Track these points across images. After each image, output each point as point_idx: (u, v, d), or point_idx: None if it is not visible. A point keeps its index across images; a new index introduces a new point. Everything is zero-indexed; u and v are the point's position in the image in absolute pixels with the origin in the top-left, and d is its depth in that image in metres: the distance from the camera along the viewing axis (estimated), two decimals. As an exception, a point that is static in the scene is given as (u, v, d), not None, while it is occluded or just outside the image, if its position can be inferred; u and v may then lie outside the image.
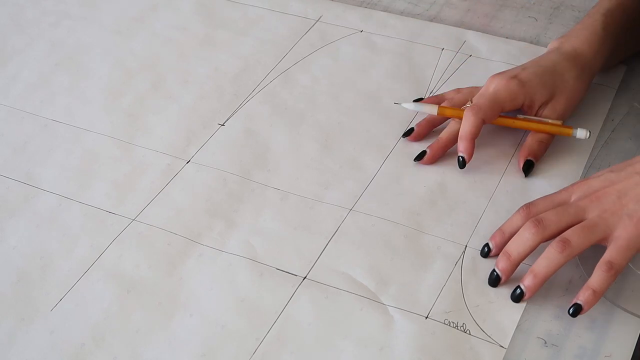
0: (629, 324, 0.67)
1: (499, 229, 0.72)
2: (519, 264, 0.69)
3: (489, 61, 0.93)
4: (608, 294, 0.69)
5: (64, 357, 0.68)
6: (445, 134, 0.81)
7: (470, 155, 0.79)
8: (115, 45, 1.00)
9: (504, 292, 0.70)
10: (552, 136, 0.81)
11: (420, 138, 0.83)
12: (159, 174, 0.82)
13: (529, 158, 0.79)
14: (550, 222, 0.68)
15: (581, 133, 0.80)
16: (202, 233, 0.76)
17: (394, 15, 1.01)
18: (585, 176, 0.78)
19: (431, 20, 1.00)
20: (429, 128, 0.84)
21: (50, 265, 0.74)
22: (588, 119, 0.85)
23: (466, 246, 0.74)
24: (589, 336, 0.66)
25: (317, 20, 1.00)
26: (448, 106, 0.82)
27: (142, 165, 0.84)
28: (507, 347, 0.66)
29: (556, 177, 0.79)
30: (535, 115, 0.81)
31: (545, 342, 0.66)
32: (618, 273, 0.66)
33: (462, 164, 0.79)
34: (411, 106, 0.84)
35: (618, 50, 0.86)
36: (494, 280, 0.70)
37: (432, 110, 0.82)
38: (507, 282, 0.70)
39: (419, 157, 0.81)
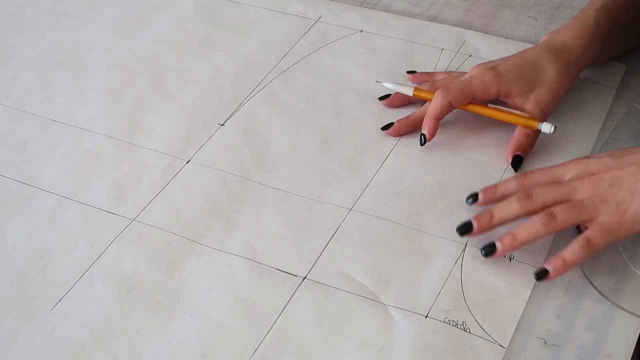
0: (629, 324, 0.67)
1: (494, 186, 0.74)
2: (496, 226, 0.71)
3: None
4: (608, 294, 0.69)
5: (64, 357, 0.68)
6: (416, 112, 0.85)
7: (432, 134, 0.81)
8: (115, 45, 1.00)
9: (505, 291, 0.70)
10: (538, 130, 0.81)
11: (398, 134, 0.84)
12: (159, 174, 0.82)
13: (517, 153, 0.80)
14: (538, 197, 0.70)
15: (546, 127, 0.80)
16: (202, 233, 0.76)
17: (394, 15, 1.01)
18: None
19: (431, 20, 1.00)
20: (408, 122, 0.85)
21: (50, 265, 0.74)
22: (588, 119, 0.85)
23: (466, 245, 0.74)
24: (589, 336, 0.66)
25: (317, 20, 1.00)
26: (426, 89, 0.85)
27: (142, 165, 0.84)
28: (507, 346, 0.66)
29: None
30: (517, 107, 0.82)
31: (545, 342, 0.66)
32: (592, 252, 0.68)
33: (422, 141, 0.82)
34: (389, 85, 0.87)
35: (611, 45, 0.86)
36: (465, 230, 0.72)
37: (408, 91, 0.86)
38: (478, 236, 0.72)
39: (385, 127, 0.84)
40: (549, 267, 0.68)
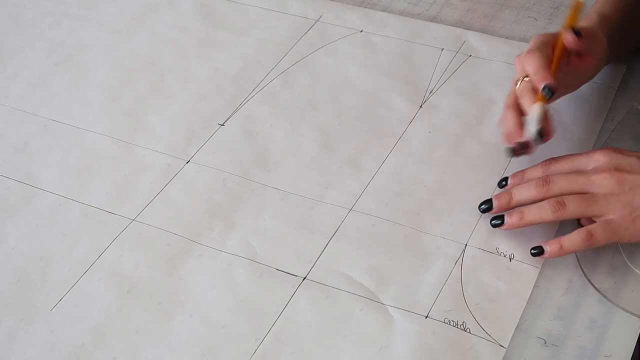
0: (629, 324, 0.67)
1: (523, 171, 0.76)
2: (514, 207, 0.73)
3: (489, 61, 0.93)
4: (608, 294, 0.69)
5: (64, 357, 0.68)
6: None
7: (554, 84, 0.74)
8: (115, 45, 1.00)
9: (505, 291, 0.70)
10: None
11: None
12: (159, 174, 0.82)
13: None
14: (555, 184, 0.71)
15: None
16: (202, 233, 0.76)
17: (394, 15, 1.01)
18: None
19: (431, 20, 1.00)
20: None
21: (50, 265, 0.74)
22: (588, 119, 0.85)
23: (466, 245, 0.74)
24: (589, 336, 0.66)
25: (317, 20, 1.00)
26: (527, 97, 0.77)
27: (142, 165, 0.84)
28: (507, 346, 0.66)
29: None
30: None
31: (545, 342, 0.66)
32: (591, 246, 0.69)
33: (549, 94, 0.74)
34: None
35: (613, 48, 0.85)
36: (487, 208, 0.74)
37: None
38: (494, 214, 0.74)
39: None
40: (545, 247, 0.70)
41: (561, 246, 0.69)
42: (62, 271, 0.74)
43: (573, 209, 0.70)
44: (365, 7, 1.03)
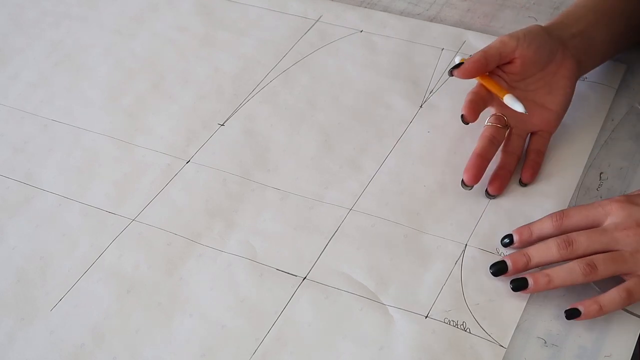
0: (629, 324, 0.67)
1: (528, 226, 0.72)
2: (532, 269, 0.69)
3: (489, 61, 0.93)
4: (608, 294, 0.69)
5: (64, 357, 0.68)
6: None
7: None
8: (115, 45, 1.00)
9: (505, 290, 0.70)
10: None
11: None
12: (159, 174, 0.82)
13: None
14: (580, 246, 0.68)
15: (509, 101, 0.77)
16: (202, 233, 0.76)
17: (394, 15, 1.01)
18: (584, 176, 0.78)
19: (431, 20, 1.00)
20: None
21: (50, 265, 0.75)
22: (588, 119, 0.85)
23: (466, 245, 0.74)
24: (589, 336, 0.66)
25: (317, 20, 1.00)
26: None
27: (142, 165, 0.84)
28: (507, 346, 0.66)
29: (555, 177, 0.79)
30: None
31: (545, 342, 0.66)
32: (629, 304, 0.66)
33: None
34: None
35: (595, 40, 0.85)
36: (500, 270, 0.70)
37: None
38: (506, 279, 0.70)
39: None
40: (581, 309, 0.66)
41: (601, 307, 0.66)
42: (62, 271, 0.74)
43: (604, 271, 0.66)
44: (365, 7, 1.03)
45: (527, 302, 0.69)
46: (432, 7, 1.02)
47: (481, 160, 0.76)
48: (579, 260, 0.67)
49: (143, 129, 0.88)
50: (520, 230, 0.72)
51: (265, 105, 0.90)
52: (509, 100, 0.77)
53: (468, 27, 0.98)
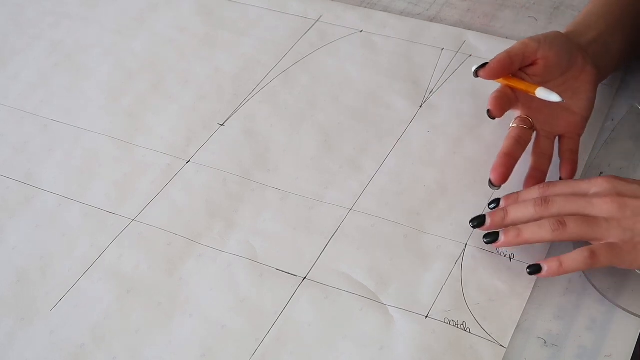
0: (629, 324, 0.67)
1: (517, 193, 0.73)
2: (508, 225, 0.71)
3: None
4: (608, 294, 0.69)
5: (64, 357, 0.68)
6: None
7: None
8: (115, 45, 1.00)
9: (505, 291, 0.70)
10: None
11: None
12: (159, 174, 0.82)
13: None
14: (555, 204, 0.69)
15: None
16: (202, 233, 0.76)
17: (394, 15, 1.01)
18: (584, 176, 0.78)
19: (431, 20, 1.00)
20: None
21: (50, 265, 0.75)
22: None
23: (466, 245, 0.74)
24: (589, 336, 0.66)
25: (317, 20, 1.00)
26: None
27: (142, 165, 0.84)
28: (507, 346, 0.66)
29: (555, 177, 0.79)
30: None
31: (545, 342, 0.66)
32: (592, 266, 0.67)
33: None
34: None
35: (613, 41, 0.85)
36: (480, 224, 0.72)
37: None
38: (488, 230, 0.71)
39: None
40: (543, 266, 0.68)
41: (561, 264, 0.67)
42: (62, 271, 0.74)
43: (574, 229, 0.67)
44: (365, 7, 1.03)
45: (527, 302, 0.69)
46: (432, 7, 1.02)
47: (508, 159, 0.75)
48: (550, 217, 0.68)
49: (143, 129, 0.88)
50: (508, 196, 0.74)
51: (265, 105, 0.90)
52: (542, 93, 0.74)
53: (468, 27, 0.98)
